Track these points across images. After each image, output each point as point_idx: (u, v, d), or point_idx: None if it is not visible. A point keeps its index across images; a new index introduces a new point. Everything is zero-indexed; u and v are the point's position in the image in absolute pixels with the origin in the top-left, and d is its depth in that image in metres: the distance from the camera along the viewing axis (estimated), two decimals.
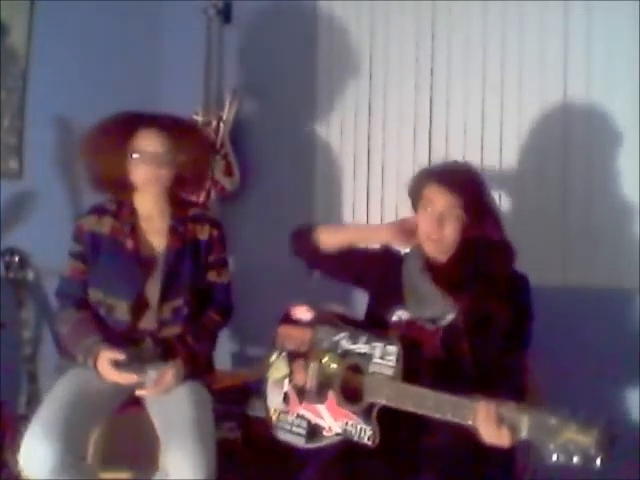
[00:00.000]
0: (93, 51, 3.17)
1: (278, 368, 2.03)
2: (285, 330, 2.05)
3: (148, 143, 2.16)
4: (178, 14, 3.41)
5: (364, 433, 1.78)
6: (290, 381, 1.99)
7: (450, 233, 1.87)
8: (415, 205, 1.97)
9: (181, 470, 1.90)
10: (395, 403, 1.73)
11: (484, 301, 1.85)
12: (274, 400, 2.02)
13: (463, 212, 1.86)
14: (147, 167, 2.15)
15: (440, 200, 1.88)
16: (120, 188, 2.21)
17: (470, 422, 1.60)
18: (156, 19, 3.46)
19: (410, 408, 1.70)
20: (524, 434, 1.52)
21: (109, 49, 3.23)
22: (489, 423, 1.56)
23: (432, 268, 1.93)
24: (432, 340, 1.86)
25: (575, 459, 1.43)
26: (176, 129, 2.22)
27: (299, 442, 1.93)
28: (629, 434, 2.18)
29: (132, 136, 2.17)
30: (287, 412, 1.98)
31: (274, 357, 2.05)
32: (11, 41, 2.91)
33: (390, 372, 1.77)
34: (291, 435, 1.96)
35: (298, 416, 1.95)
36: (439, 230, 1.87)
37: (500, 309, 1.85)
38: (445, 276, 1.90)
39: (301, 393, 1.96)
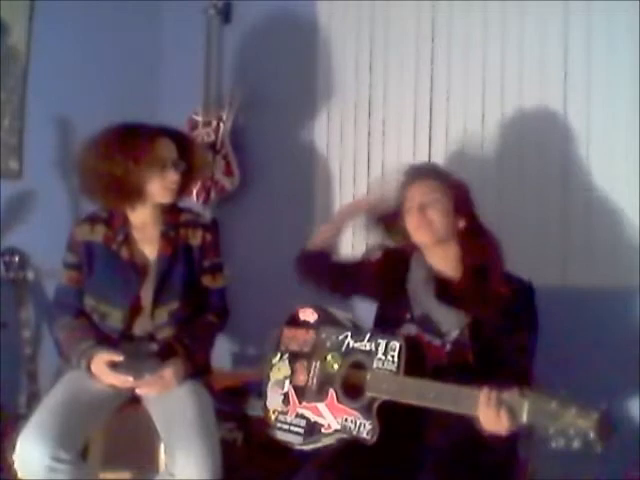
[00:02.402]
0: (93, 51, 3.17)
1: (280, 369, 2.04)
2: (290, 332, 2.06)
3: (170, 151, 2.15)
4: (178, 14, 3.41)
5: (363, 428, 1.79)
6: (291, 382, 2.00)
7: (433, 214, 1.93)
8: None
9: (187, 471, 1.90)
10: (397, 397, 1.74)
11: (489, 316, 1.86)
12: (274, 401, 2.03)
13: (441, 195, 1.94)
14: (175, 175, 2.14)
15: (416, 192, 1.96)
16: (126, 198, 2.14)
17: (472, 412, 1.60)
18: (156, 19, 3.46)
19: (412, 401, 1.71)
20: (524, 419, 1.52)
21: (109, 49, 3.23)
22: (489, 408, 1.56)
23: (436, 281, 1.95)
24: (439, 354, 1.88)
25: (575, 443, 1.43)
26: (179, 138, 2.22)
27: (297, 440, 1.94)
28: (629, 434, 2.18)
29: (149, 146, 2.10)
30: (286, 412, 1.99)
31: (277, 358, 2.06)
32: (11, 41, 2.91)
33: (393, 367, 1.77)
34: (289, 434, 1.96)
35: (297, 415, 1.96)
36: (422, 217, 1.93)
37: (505, 323, 1.86)
38: (450, 290, 1.92)
39: (301, 393, 1.97)
